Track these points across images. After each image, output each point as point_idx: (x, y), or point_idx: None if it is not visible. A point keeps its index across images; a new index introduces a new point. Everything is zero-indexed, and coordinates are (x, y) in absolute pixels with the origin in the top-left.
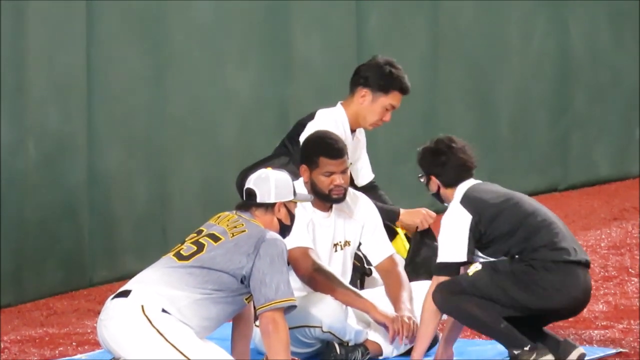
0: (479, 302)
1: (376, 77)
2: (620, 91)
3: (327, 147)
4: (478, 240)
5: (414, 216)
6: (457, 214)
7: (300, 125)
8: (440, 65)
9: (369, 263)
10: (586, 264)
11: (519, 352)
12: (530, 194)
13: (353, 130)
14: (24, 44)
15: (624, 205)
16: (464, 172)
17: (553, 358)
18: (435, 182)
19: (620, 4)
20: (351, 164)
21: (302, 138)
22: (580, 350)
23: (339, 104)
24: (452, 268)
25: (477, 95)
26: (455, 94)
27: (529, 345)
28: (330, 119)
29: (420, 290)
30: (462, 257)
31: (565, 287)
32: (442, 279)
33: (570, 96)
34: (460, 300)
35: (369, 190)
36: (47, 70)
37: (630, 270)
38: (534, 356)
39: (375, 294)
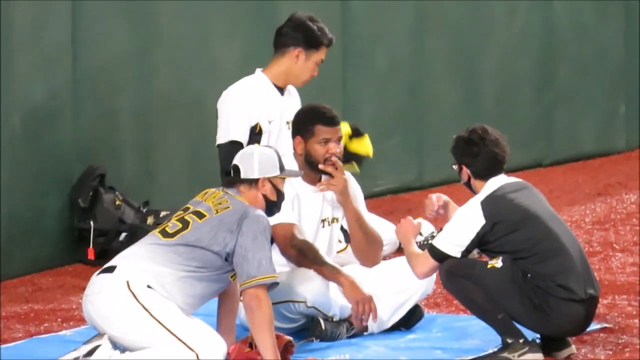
0: (483, 291)
1: (307, 35)
2: (605, 66)
3: (322, 114)
4: (483, 244)
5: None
6: (472, 213)
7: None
8: (425, 38)
9: (347, 240)
10: (590, 299)
11: (512, 341)
12: (515, 170)
13: (282, 89)
14: (9, 20)
15: (608, 180)
16: (495, 165)
17: (542, 358)
18: (466, 172)
19: None
20: (288, 122)
21: (219, 104)
22: (571, 349)
23: (257, 70)
24: (441, 256)
25: (462, 69)
26: (441, 68)
27: (523, 339)
28: (242, 83)
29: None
30: (456, 254)
31: (560, 322)
32: (427, 256)
33: (555, 71)
34: (465, 283)
35: None
36: (32, 45)
37: (614, 245)
38: (525, 349)
39: (357, 271)
